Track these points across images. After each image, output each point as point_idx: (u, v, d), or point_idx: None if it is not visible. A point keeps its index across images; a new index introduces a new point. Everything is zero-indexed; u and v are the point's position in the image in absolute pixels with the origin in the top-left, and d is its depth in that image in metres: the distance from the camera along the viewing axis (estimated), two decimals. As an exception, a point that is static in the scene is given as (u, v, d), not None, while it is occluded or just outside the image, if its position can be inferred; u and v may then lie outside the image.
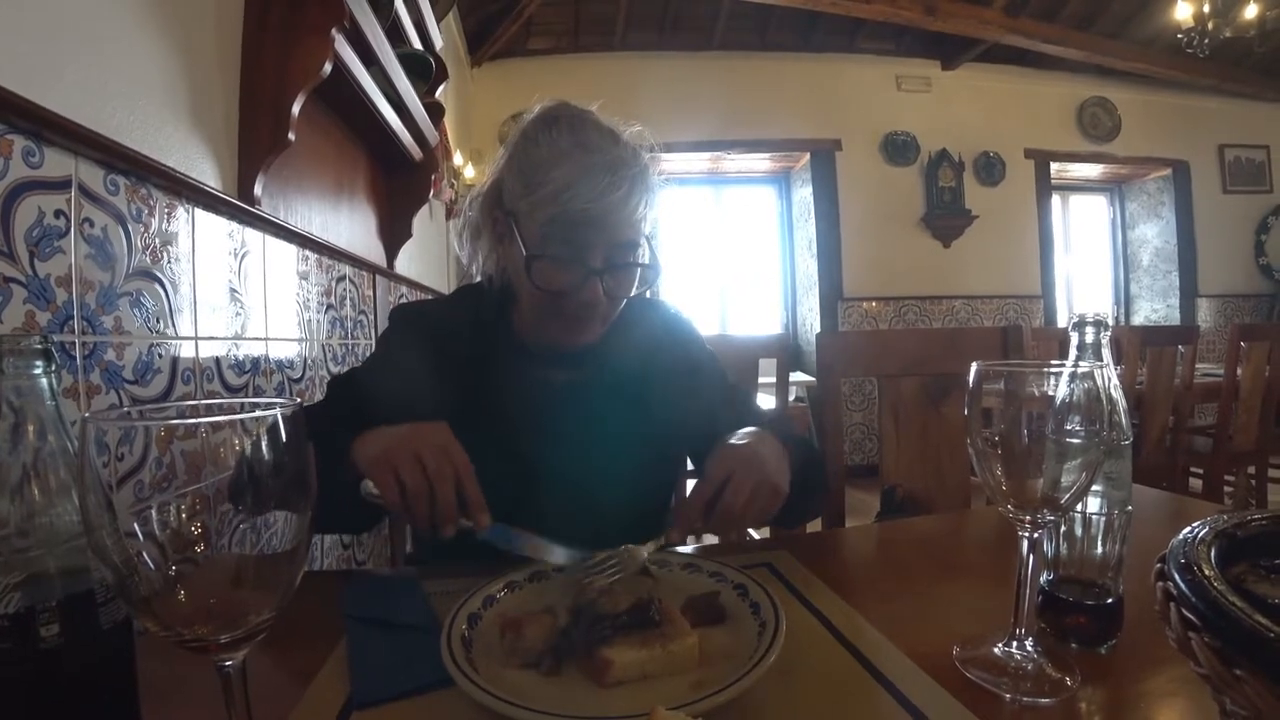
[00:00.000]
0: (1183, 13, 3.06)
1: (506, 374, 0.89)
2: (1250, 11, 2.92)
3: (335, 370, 1.60)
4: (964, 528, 1.02)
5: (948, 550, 0.88)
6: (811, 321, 4.79)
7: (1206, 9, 3.00)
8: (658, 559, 0.69)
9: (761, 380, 1.83)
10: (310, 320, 1.47)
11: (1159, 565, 0.39)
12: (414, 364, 0.88)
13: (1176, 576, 0.36)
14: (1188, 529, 0.41)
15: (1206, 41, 3.04)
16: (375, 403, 0.83)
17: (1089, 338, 0.56)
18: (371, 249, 1.96)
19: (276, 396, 1.28)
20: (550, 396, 0.89)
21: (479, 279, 0.95)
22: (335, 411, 0.87)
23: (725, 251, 5.01)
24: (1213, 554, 0.38)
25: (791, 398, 2.69)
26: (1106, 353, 0.56)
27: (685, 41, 4.58)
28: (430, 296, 2.46)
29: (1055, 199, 5.13)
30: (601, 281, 0.80)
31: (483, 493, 0.67)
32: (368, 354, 1.50)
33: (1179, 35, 3.14)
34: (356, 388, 0.90)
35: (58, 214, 0.74)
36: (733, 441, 0.72)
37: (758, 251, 5.10)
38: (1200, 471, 2.85)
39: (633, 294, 0.86)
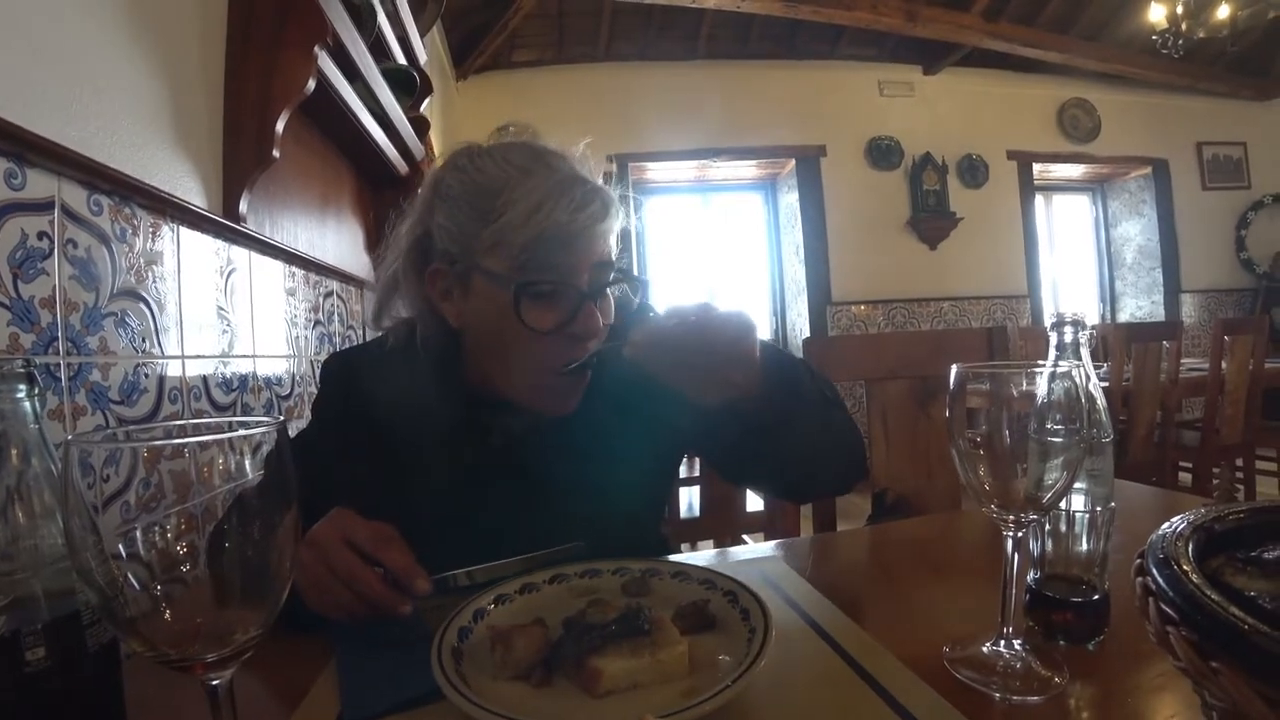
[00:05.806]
0: (1156, 15, 3.12)
1: (459, 427, 0.78)
2: (1222, 12, 2.98)
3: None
4: (954, 529, 1.03)
5: (938, 552, 0.89)
6: (801, 326, 4.80)
7: (1180, 10, 3.06)
8: (648, 568, 0.68)
9: (752, 386, 1.83)
10: (298, 337, 1.47)
11: (1138, 560, 0.40)
12: (353, 432, 0.79)
13: (1154, 571, 0.37)
14: (1167, 524, 0.42)
15: (1180, 42, 3.09)
16: (322, 479, 0.68)
17: (1068, 337, 0.57)
18: (359, 264, 1.95)
19: (265, 414, 1.28)
20: (511, 445, 0.79)
21: (405, 315, 0.83)
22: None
23: (713, 258, 5.02)
24: (1190, 548, 0.39)
25: (783, 402, 2.68)
26: (1085, 351, 0.57)
27: (669, 51, 4.61)
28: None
29: (1039, 199, 5.19)
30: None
31: (412, 556, 0.58)
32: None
33: (1154, 37, 3.20)
34: (305, 460, 0.80)
35: (41, 235, 0.74)
36: None
37: (746, 258, 5.12)
38: (1190, 465, 2.87)
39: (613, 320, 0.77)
